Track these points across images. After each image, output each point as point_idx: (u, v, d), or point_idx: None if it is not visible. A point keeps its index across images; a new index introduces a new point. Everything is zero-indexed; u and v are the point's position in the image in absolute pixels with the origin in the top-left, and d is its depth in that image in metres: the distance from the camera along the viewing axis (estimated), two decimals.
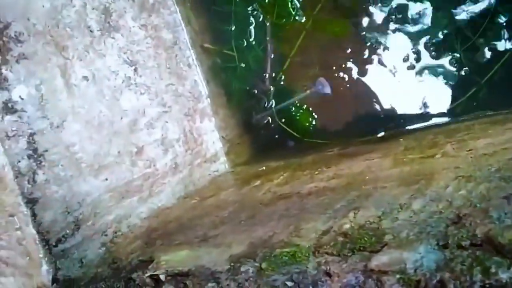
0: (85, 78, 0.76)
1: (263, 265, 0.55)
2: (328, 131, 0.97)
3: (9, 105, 0.66)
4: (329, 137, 0.96)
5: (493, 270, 0.42)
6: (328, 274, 0.51)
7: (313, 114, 0.98)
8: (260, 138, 1.01)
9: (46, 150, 0.69)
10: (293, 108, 0.98)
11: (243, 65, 0.96)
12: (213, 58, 0.99)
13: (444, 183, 0.59)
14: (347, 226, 0.56)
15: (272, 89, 0.97)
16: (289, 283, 0.53)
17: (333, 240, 0.55)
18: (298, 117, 0.99)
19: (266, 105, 0.98)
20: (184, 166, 0.93)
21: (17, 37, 0.71)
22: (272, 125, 0.99)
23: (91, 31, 0.81)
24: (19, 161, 0.66)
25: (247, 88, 0.98)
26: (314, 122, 0.97)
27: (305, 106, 0.98)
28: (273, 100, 0.98)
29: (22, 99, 0.67)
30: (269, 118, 0.97)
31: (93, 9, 0.83)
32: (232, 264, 0.56)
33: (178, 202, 0.86)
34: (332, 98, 0.93)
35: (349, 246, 0.53)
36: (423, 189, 0.60)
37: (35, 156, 0.68)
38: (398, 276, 0.46)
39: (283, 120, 0.98)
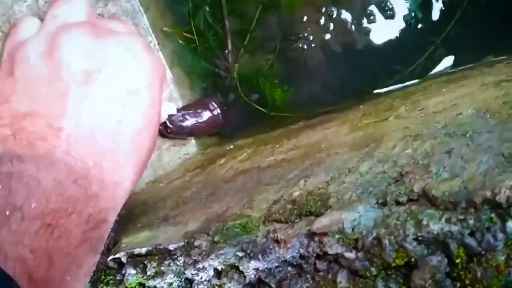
0: None
1: (216, 238, 0.56)
2: (295, 103, 0.97)
3: None
4: (296, 110, 0.97)
5: (424, 222, 0.43)
6: (277, 241, 0.52)
7: (280, 87, 0.98)
8: (228, 116, 1.01)
9: None
10: (259, 83, 0.98)
11: (203, 44, 0.96)
12: (174, 41, 0.98)
13: (392, 144, 0.60)
14: (297, 193, 0.57)
15: (235, 66, 0.97)
16: (240, 253, 0.53)
17: (282, 208, 0.55)
18: (264, 92, 0.98)
19: (230, 83, 0.99)
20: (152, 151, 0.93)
21: None
22: (238, 102, 0.99)
23: None
24: None
25: (210, 67, 0.98)
26: (281, 96, 0.97)
27: (271, 79, 0.98)
28: (237, 77, 0.98)
29: None
30: (234, 94, 0.98)
31: (45, 2, 0.82)
32: (186, 240, 0.57)
33: (147, 186, 0.87)
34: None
35: (296, 212, 0.53)
36: (372, 151, 0.60)
37: None
38: (337, 236, 0.47)
39: (249, 95, 0.98)
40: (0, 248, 0.44)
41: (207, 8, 0.95)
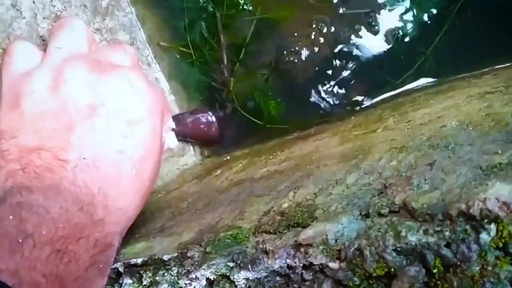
0: None
1: (208, 249, 0.58)
2: (289, 115, 0.99)
3: None
4: (290, 122, 0.99)
5: (403, 234, 0.45)
6: (265, 252, 0.54)
7: (274, 99, 1.00)
8: (225, 128, 1.04)
9: None
10: (255, 96, 1.01)
11: (200, 59, 0.99)
12: (171, 55, 1.01)
13: (379, 156, 0.62)
14: (286, 205, 0.59)
15: (231, 79, 0.99)
16: (230, 264, 0.55)
17: (272, 220, 0.57)
18: (260, 104, 1.01)
19: (227, 96, 1.01)
20: None
21: None
22: (235, 115, 1.02)
23: (43, 40, 0.84)
24: None
25: (207, 80, 1.00)
26: (275, 108, 0.99)
27: (266, 92, 1.00)
28: (233, 90, 1.00)
29: None
30: (231, 107, 1.00)
31: (44, 18, 0.85)
32: (179, 251, 0.59)
33: None
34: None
35: (285, 224, 0.55)
36: (359, 163, 0.62)
37: None
38: (321, 247, 0.49)
39: (246, 108, 1.00)
40: (16, 274, 0.46)
41: (203, 23, 0.97)
